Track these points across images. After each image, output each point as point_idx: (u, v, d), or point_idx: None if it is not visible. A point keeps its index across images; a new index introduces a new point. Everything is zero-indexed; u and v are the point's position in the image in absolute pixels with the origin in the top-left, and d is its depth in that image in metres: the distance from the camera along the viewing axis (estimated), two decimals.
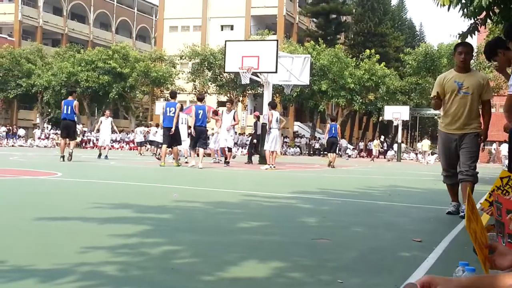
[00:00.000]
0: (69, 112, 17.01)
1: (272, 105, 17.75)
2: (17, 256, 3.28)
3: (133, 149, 34.30)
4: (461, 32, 11.03)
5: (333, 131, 21.30)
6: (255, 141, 21.87)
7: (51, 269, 2.98)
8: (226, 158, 18.29)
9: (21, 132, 49.86)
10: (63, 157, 16.74)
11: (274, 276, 3.05)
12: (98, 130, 22.19)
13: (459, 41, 10.65)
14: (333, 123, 21.93)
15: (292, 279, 3.01)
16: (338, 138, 22.26)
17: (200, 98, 16.98)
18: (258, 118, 21.87)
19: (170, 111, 15.84)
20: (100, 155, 21.06)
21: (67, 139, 17.38)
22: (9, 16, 59.75)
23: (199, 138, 16.02)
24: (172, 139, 15.90)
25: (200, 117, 16.02)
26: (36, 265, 3.05)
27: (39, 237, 4.03)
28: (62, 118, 17.34)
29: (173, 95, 16.90)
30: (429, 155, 38.06)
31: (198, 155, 16.05)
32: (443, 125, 6.40)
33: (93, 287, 2.65)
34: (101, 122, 21.37)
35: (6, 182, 9.33)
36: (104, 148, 21.28)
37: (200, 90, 49.14)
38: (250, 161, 21.27)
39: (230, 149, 18.46)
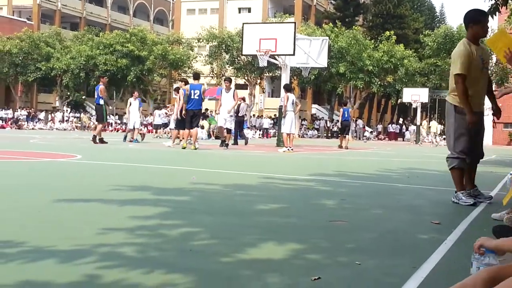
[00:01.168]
0: (95, 96, 18.23)
1: (287, 88, 17.69)
2: (37, 238, 3.32)
3: (151, 132, 34.38)
4: None
5: (346, 115, 22.57)
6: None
7: (70, 250, 3.01)
8: (224, 140, 17.81)
9: (41, 115, 50.30)
10: (93, 139, 17.79)
11: (292, 258, 3.05)
12: (128, 112, 21.22)
13: None
14: (345, 107, 23.30)
15: (309, 261, 3.02)
16: (351, 121, 23.51)
17: (196, 77, 16.59)
18: (243, 99, 23.74)
19: (195, 94, 15.61)
20: (125, 137, 20.64)
21: (96, 122, 18.31)
22: (28, 0, 60.05)
23: (191, 120, 15.71)
24: (192, 121, 15.84)
25: (193, 97, 15.59)
26: (56, 246, 3.08)
27: (58, 218, 4.08)
28: None
29: (197, 76, 16.65)
30: (436, 136, 37.86)
31: (178, 137, 16.30)
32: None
33: (112, 268, 2.67)
34: (130, 104, 20.84)
35: (27, 164, 9.44)
36: (134, 131, 20.72)
37: (218, 73, 49.14)
38: (236, 142, 21.30)
39: (229, 131, 18.07)
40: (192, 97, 15.62)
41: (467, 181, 5.84)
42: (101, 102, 17.94)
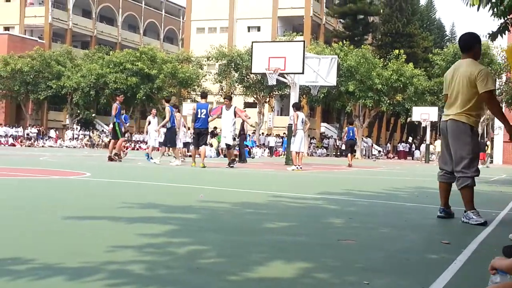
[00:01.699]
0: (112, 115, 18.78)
1: (297, 107, 17.73)
2: (46, 254, 3.32)
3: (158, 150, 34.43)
4: (491, 32, 10.88)
5: (351, 134, 23.41)
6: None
7: (79, 267, 3.01)
8: (234, 160, 17.68)
9: (52, 133, 50.60)
10: (112, 156, 18.26)
11: (300, 277, 3.04)
12: (147, 132, 21.15)
13: (489, 41, 10.52)
14: (350, 126, 24.01)
15: (318, 280, 3.00)
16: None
17: (203, 95, 16.69)
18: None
19: (201, 113, 15.79)
20: (148, 156, 19.80)
21: (113, 140, 18.68)
22: (39, 19, 60.74)
23: (198, 139, 16.00)
24: (199, 140, 16.01)
25: (199, 116, 15.77)
26: (65, 263, 3.09)
27: (67, 236, 4.08)
28: None
29: (204, 95, 16.77)
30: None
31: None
32: (477, 122, 5.90)
33: (120, 286, 2.67)
34: (149, 122, 20.78)
35: (37, 182, 9.48)
36: (158, 150, 20.27)
37: (227, 91, 49.31)
38: (244, 160, 21.81)
39: (229, 147, 17.77)
40: (199, 116, 15.77)
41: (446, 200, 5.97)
42: (115, 120, 18.27)
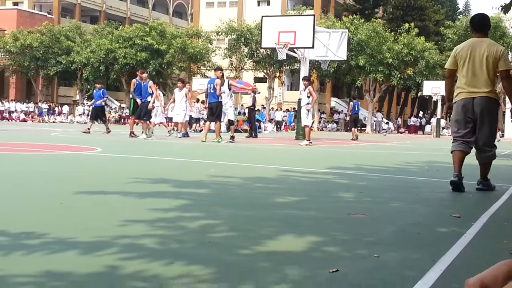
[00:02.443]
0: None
1: (308, 79, 17.66)
2: (59, 229, 3.36)
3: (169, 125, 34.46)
4: (504, 4, 10.75)
5: (356, 108, 24.86)
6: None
7: (91, 241, 3.05)
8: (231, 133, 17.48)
9: (65, 109, 50.78)
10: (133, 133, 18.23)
11: (310, 250, 3.06)
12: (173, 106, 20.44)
13: (502, 13, 10.53)
14: (355, 100, 25.36)
15: (328, 253, 3.02)
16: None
17: (216, 69, 16.95)
18: (254, 91, 24.41)
19: (210, 88, 16.13)
20: (185, 133, 19.82)
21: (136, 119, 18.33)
22: None
23: (211, 114, 16.24)
24: (211, 115, 16.10)
25: (210, 91, 16.13)
26: (77, 237, 3.12)
27: (79, 211, 4.12)
28: None
29: (218, 68, 16.98)
30: None
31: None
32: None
33: (132, 259, 2.70)
34: (174, 95, 20.01)
35: (48, 157, 9.54)
36: (176, 126, 19.87)
37: (237, 66, 49.15)
38: (255, 135, 22.08)
39: (231, 122, 17.77)
40: (210, 91, 15.92)
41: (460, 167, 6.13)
42: (131, 96, 18.48)
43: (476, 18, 6.27)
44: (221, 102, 16.21)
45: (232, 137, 17.05)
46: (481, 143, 6.09)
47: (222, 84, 16.25)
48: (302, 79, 17.79)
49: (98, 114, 20.36)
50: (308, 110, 16.95)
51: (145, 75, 17.94)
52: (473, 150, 6.23)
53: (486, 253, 3.23)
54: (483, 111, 5.99)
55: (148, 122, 17.29)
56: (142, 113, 17.09)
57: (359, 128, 50.35)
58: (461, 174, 6.01)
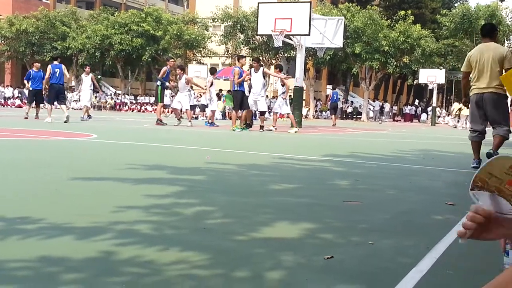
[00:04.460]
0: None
1: (280, 68, 17.91)
2: (54, 214, 3.36)
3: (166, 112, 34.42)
4: None
5: (335, 98, 28.42)
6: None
7: (87, 227, 3.05)
8: (250, 124, 17.40)
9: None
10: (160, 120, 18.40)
11: (305, 237, 3.07)
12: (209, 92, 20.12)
13: (499, 2, 11.18)
14: (333, 90, 28.61)
15: (323, 240, 3.04)
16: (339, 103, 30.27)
17: (55, 58, 18.15)
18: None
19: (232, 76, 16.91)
20: (210, 122, 19.43)
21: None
22: None
23: (57, 95, 17.39)
24: (240, 103, 16.43)
25: (57, 75, 17.30)
26: (73, 223, 3.13)
27: (74, 196, 4.12)
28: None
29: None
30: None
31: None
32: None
33: (127, 245, 2.71)
34: (211, 84, 19.86)
35: (43, 143, 9.53)
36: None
37: (232, 53, 48.98)
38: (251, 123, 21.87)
39: (263, 113, 18.07)
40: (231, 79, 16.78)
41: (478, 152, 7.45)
42: (158, 83, 18.47)
43: (487, 26, 7.75)
44: (241, 91, 16.26)
45: (262, 127, 17.14)
46: (494, 121, 7.36)
47: (256, 72, 16.55)
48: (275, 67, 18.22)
49: (37, 97, 19.97)
50: (284, 99, 17.15)
51: (178, 67, 18.86)
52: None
53: (481, 241, 3.24)
54: (491, 103, 7.27)
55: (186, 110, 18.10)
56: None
57: (354, 116, 50.65)
58: (480, 159, 7.16)
